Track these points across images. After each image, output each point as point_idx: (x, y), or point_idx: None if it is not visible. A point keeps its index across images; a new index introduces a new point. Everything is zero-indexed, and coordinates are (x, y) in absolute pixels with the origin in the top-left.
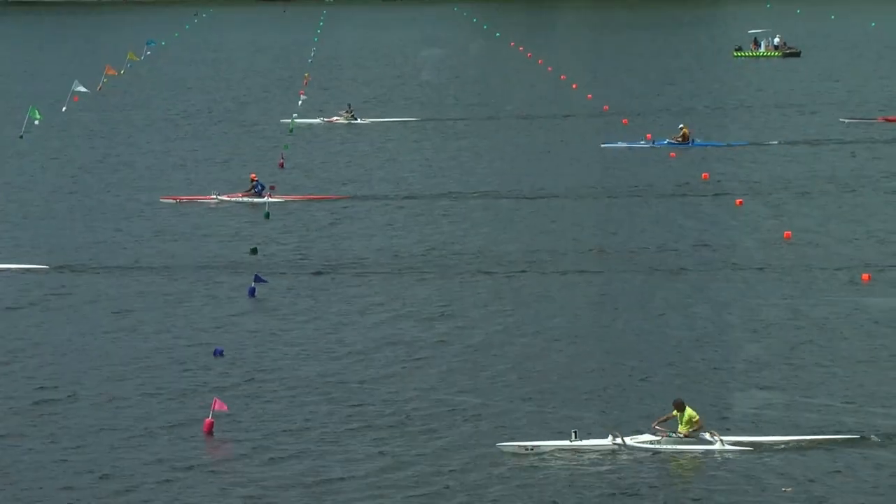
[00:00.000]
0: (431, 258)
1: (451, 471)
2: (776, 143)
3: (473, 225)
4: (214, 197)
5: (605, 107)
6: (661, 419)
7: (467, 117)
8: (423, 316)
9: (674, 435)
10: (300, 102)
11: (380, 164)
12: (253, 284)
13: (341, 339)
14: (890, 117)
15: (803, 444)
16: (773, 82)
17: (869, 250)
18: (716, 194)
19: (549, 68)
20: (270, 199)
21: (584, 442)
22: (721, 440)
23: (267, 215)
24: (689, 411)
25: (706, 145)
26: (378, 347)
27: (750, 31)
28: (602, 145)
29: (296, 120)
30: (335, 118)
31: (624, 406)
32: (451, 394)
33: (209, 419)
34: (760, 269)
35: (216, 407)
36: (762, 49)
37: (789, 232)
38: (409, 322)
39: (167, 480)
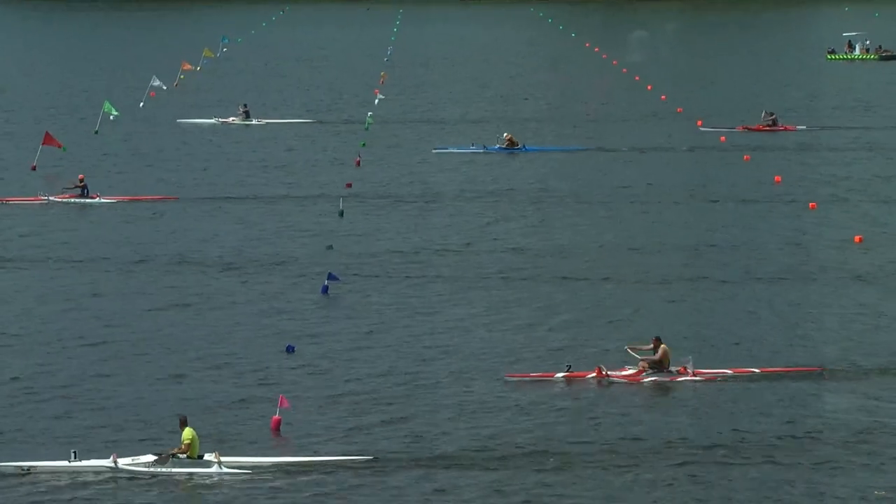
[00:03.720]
0: (500, 260)
1: None
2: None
3: (545, 229)
4: (45, 198)
5: (679, 109)
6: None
7: (539, 118)
8: (490, 315)
9: (179, 456)
10: (376, 101)
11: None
12: (326, 282)
13: (412, 339)
14: (751, 126)
15: (303, 466)
16: (870, 85)
17: None
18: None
19: (624, 70)
20: (104, 200)
21: (84, 463)
22: (220, 462)
23: (341, 213)
24: (187, 430)
25: (537, 150)
26: (442, 348)
27: (844, 34)
28: (433, 150)
29: (192, 121)
30: (231, 118)
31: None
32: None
33: (276, 416)
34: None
35: (282, 404)
36: (857, 52)
37: (860, 236)
38: (469, 322)
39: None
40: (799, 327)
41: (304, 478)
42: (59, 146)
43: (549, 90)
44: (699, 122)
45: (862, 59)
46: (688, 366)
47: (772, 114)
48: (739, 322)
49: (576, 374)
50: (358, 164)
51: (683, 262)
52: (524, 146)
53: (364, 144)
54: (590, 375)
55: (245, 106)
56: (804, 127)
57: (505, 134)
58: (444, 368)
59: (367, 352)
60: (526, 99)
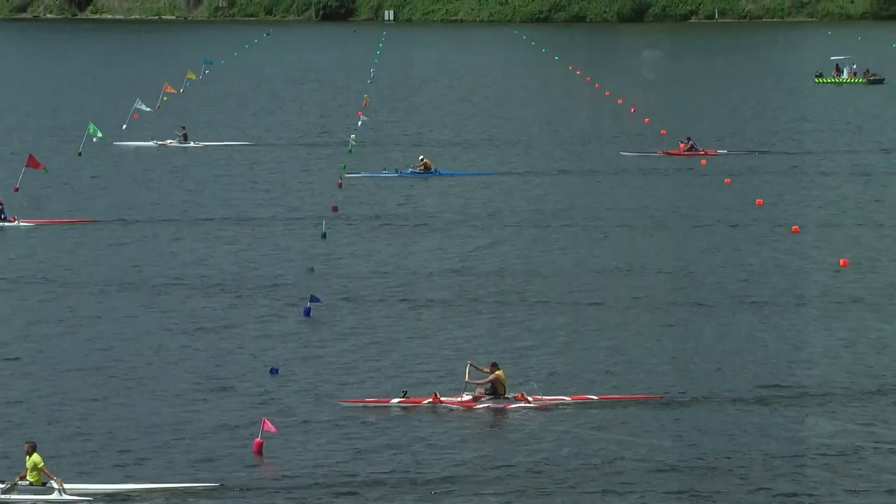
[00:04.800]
0: (483, 285)
1: None
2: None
3: (517, 251)
4: None
5: (663, 132)
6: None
7: (521, 139)
8: (472, 339)
9: (21, 482)
10: (360, 123)
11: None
12: (308, 304)
13: (394, 362)
14: (671, 151)
15: (145, 493)
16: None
17: None
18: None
19: (607, 93)
20: (22, 224)
21: None
22: (63, 489)
23: (324, 235)
24: (34, 457)
25: (449, 174)
26: (431, 371)
27: (832, 58)
28: (346, 175)
29: (130, 143)
30: (169, 141)
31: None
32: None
33: (258, 439)
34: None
35: (265, 427)
36: (845, 76)
37: (845, 259)
38: (457, 345)
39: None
40: (742, 353)
41: None
42: (42, 169)
43: (532, 113)
44: (681, 145)
45: (850, 82)
46: (525, 392)
47: (689, 139)
48: (617, 349)
49: (412, 399)
50: (340, 186)
51: (642, 285)
52: (437, 170)
53: (345, 167)
54: (425, 401)
55: (183, 128)
56: (725, 151)
57: (421, 156)
58: (431, 390)
59: (350, 374)
60: (509, 122)
